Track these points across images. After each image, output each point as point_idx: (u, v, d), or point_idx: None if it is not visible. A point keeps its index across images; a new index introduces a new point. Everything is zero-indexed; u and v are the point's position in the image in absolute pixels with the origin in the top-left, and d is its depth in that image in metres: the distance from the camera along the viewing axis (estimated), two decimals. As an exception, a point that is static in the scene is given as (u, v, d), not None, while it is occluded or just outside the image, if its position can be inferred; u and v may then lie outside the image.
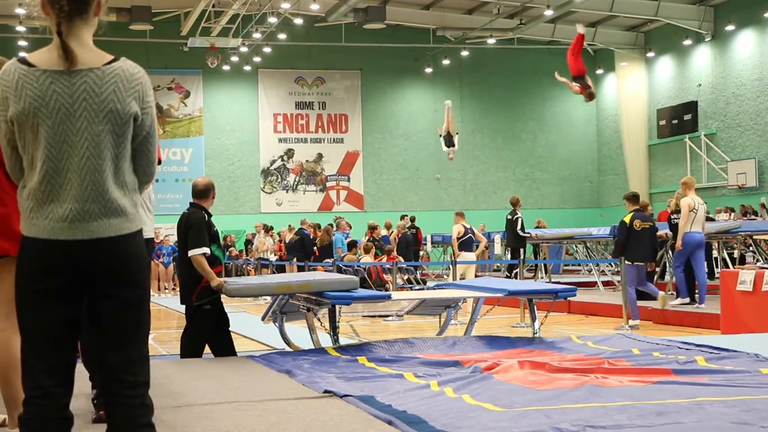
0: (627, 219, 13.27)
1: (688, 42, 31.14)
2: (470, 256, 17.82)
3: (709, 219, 18.00)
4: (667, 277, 17.69)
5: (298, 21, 30.24)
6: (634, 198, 13.58)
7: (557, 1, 28.04)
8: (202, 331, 7.98)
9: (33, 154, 3.11)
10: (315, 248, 21.97)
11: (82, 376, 4.30)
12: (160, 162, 3.98)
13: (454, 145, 24.65)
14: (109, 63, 3.16)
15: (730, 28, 29.44)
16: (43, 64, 3.11)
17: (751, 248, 17.43)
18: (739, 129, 29.68)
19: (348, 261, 19.35)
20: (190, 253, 7.81)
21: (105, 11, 3.28)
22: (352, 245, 20.96)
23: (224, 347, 8.03)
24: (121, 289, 3.12)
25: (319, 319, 8.68)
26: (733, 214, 24.70)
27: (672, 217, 14.81)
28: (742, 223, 17.90)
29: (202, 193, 8.15)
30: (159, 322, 15.58)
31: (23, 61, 3.14)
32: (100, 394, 4.93)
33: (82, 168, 3.09)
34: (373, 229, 21.21)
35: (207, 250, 7.83)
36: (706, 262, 14.01)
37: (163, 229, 27.14)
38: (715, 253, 19.46)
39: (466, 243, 17.84)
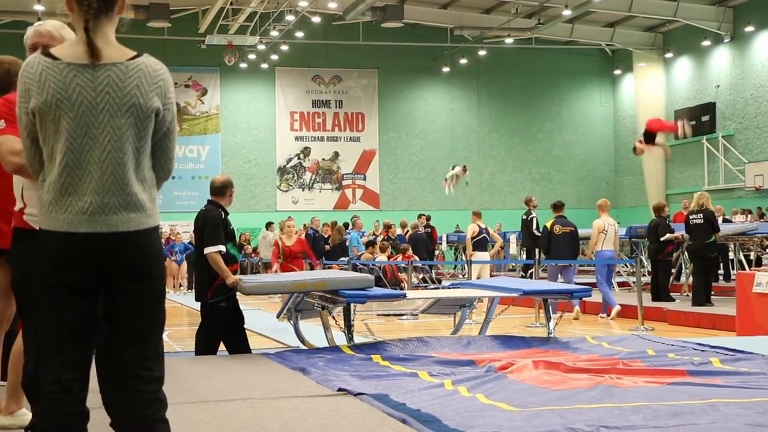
0: (548, 224, 15.16)
1: (706, 43, 31.02)
2: (484, 255, 17.80)
3: (725, 221, 17.94)
4: (683, 279, 17.65)
5: (316, 19, 30.26)
6: (557, 206, 15.56)
7: (575, 0, 27.98)
8: (217, 329, 8.00)
9: (53, 147, 3.11)
10: (327, 246, 22.01)
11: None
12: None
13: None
14: (133, 58, 3.19)
15: (749, 29, 29.31)
16: (68, 58, 3.13)
17: (767, 250, 17.36)
18: (757, 131, 29.54)
19: (365, 260, 19.37)
20: (206, 250, 7.84)
21: (127, 9, 3.30)
22: (370, 244, 20.97)
23: (239, 345, 8.05)
24: (138, 284, 3.13)
25: (333, 318, 8.69)
26: (750, 215, 24.58)
27: (690, 217, 14.80)
28: (758, 225, 17.82)
29: (219, 190, 8.17)
30: (173, 319, 15.64)
31: (47, 53, 3.16)
32: None
33: (104, 161, 3.10)
34: (388, 227, 21.21)
35: (223, 247, 7.86)
36: (704, 266, 14.41)
37: (179, 227, 27.25)
38: (731, 255, 19.39)
39: (481, 243, 17.83)
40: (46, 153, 3.15)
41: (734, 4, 30.26)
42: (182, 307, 18.34)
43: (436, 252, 25.18)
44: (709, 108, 31.29)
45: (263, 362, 7.47)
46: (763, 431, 4.66)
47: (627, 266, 20.08)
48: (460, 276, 23.75)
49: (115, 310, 3.14)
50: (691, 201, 15.65)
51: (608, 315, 14.56)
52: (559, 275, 14.98)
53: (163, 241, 25.15)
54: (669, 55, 33.38)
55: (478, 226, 17.94)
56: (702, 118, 31.53)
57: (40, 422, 3.12)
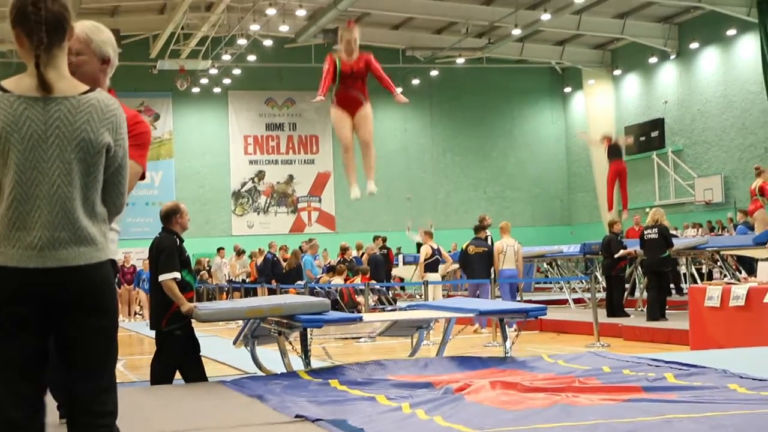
0: (464, 245, 16.74)
1: (653, 60, 31.48)
2: (436, 276, 17.88)
3: (674, 236, 18.21)
4: (637, 294, 17.83)
5: (268, 42, 30.27)
6: (477, 228, 16.96)
7: (525, 20, 28.26)
8: (173, 357, 7.94)
9: (2, 180, 3.08)
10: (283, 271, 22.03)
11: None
12: (143, 177, 3.97)
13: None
14: (85, 93, 3.17)
15: (694, 45, 29.80)
16: (18, 90, 3.10)
17: (718, 263, 17.59)
18: (705, 145, 29.99)
19: (323, 283, 19.36)
20: (161, 278, 7.79)
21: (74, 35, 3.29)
22: (331, 269, 20.95)
23: (195, 373, 7.99)
24: (90, 318, 3.11)
25: (290, 343, 8.67)
26: (700, 229, 24.92)
27: (645, 233, 14.99)
28: (709, 239, 18.07)
29: (165, 218, 8.15)
30: (128, 348, 15.49)
31: None
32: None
33: (53, 195, 3.08)
34: (344, 250, 21.23)
35: (178, 275, 7.81)
36: (658, 281, 14.71)
37: (133, 253, 27.05)
38: (683, 269, 19.63)
39: (433, 264, 17.94)
40: None
41: (679, 22, 30.76)
42: (137, 335, 18.18)
43: (393, 272, 25.20)
44: (658, 124, 31.73)
45: (220, 390, 7.42)
46: (717, 446, 4.71)
47: (582, 282, 20.24)
48: (418, 297, 23.79)
49: (67, 343, 3.11)
50: (642, 216, 15.92)
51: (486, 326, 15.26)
52: (477, 292, 16.09)
53: (129, 267, 25.07)
54: (617, 72, 33.82)
55: (431, 247, 18.03)
56: (651, 133, 31.96)
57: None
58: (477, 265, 16.42)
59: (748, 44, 28.01)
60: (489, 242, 18.29)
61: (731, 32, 28.19)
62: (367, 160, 9.76)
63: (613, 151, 20.68)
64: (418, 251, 25.44)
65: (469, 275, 16.53)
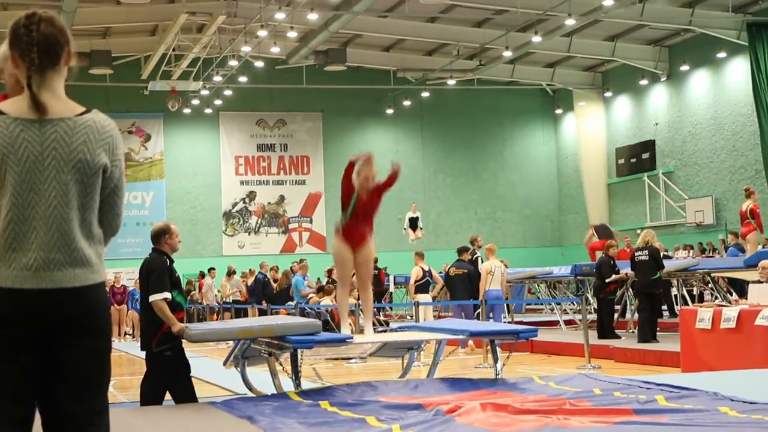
0: (446, 268, 17.23)
1: (644, 82, 31.63)
2: (426, 297, 17.89)
3: (666, 257, 18.26)
4: (628, 315, 17.83)
5: (259, 64, 30.33)
6: (460, 250, 17.58)
7: (516, 42, 28.38)
8: (163, 378, 7.91)
9: None
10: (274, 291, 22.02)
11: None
12: None
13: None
14: (82, 114, 3.17)
15: (684, 68, 29.95)
16: (15, 113, 3.11)
17: (709, 285, 17.61)
18: (696, 167, 30.10)
19: (313, 303, 19.33)
20: (152, 298, 7.77)
21: (75, 59, 3.29)
22: (320, 290, 20.94)
23: (185, 394, 7.95)
24: (84, 339, 3.10)
25: (281, 364, 8.64)
26: (691, 251, 24.96)
27: (636, 254, 15.02)
28: (700, 261, 18.10)
29: (155, 238, 8.14)
30: (118, 369, 15.42)
31: None
32: None
33: (49, 217, 3.08)
34: (330, 271, 21.26)
35: (168, 295, 7.79)
36: (649, 302, 14.72)
37: (124, 273, 26.99)
38: (675, 291, 19.65)
39: (423, 285, 17.95)
40: None
41: (669, 44, 30.92)
42: (126, 355, 18.10)
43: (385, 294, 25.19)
44: (649, 145, 31.85)
45: (210, 411, 7.39)
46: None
47: (573, 304, 20.24)
48: (409, 318, 23.75)
49: (61, 365, 3.10)
50: (633, 238, 15.96)
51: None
52: (462, 313, 16.66)
53: (119, 287, 25.06)
54: (608, 94, 33.96)
55: (422, 268, 18.05)
56: (642, 155, 32.08)
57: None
58: (459, 286, 16.98)
59: (738, 67, 28.16)
60: (479, 262, 18.37)
61: (721, 55, 28.36)
62: (366, 300, 9.76)
63: (602, 232, 21.06)
64: (411, 225, 25.55)
65: (452, 297, 17.10)
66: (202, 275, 26.89)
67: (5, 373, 3.04)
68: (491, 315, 16.33)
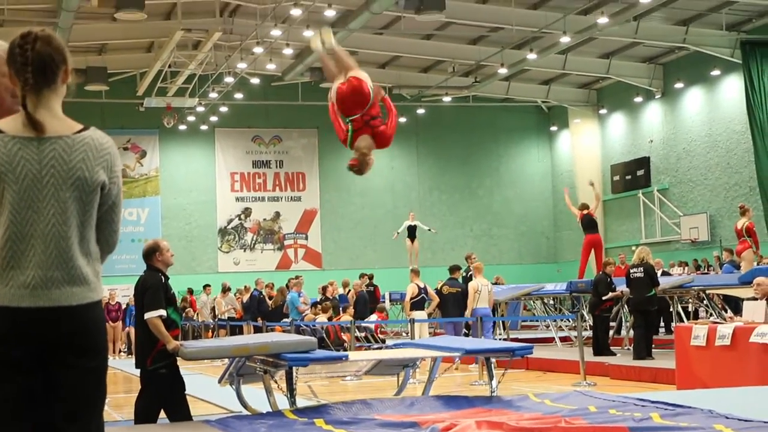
0: (439, 286, 17.79)
1: (639, 99, 31.73)
2: (422, 314, 17.90)
3: (664, 273, 18.27)
4: (623, 332, 17.83)
5: (255, 80, 30.38)
6: (452, 269, 18.07)
7: (511, 59, 28.47)
8: (157, 396, 7.89)
9: None
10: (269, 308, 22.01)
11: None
12: None
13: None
14: (79, 132, 3.19)
15: (678, 85, 30.05)
16: (13, 131, 3.12)
17: (704, 302, 17.63)
18: (690, 184, 30.17)
19: (308, 320, 19.33)
20: (147, 315, 7.77)
21: (73, 77, 3.30)
22: (315, 305, 20.95)
23: (180, 412, 7.93)
24: (81, 359, 3.11)
25: (276, 381, 8.62)
26: (686, 268, 24.98)
27: (631, 271, 15.03)
28: (695, 278, 18.12)
29: (146, 257, 8.14)
30: (114, 386, 15.38)
31: None
32: None
33: (47, 235, 3.09)
34: (324, 288, 21.32)
35: (163, 312, 7.79)
36: (644, 319, 14.75)
37: (119, 290, 26.96)
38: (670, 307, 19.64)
39: (419, 302, 17.96)
40: None
41: (663, 62, 31.04)
42: (121, 373, 18.06)
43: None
44: (644, 162, 31.92)
45: (205, 430, 7.37)
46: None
47: (569, 321, 20.24)
48: (404, 335, 23.74)
49: (57, 384, 3.10)
50: (628, 255, 15.97)
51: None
52: (453, 330, 16.96)
53: (114, 304, 25.07)
54: (603, 111, 34.05)
55: (417, 285, 18.07)
56: (637, 172, 32.15)
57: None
58: (451, 304, 17.35)
59: (732, 84, 28.26)
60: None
61: (715, 72, 28.46)
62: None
63: (588, 224, 20.81)
64: (410, 235, 25.61)
65: (444, 314, 17.50)
66: (191, 291, 26.84)
67: (2, 392, 3.04)
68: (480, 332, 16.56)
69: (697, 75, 29.46)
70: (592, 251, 20.40)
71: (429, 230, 28.13)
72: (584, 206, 21.29)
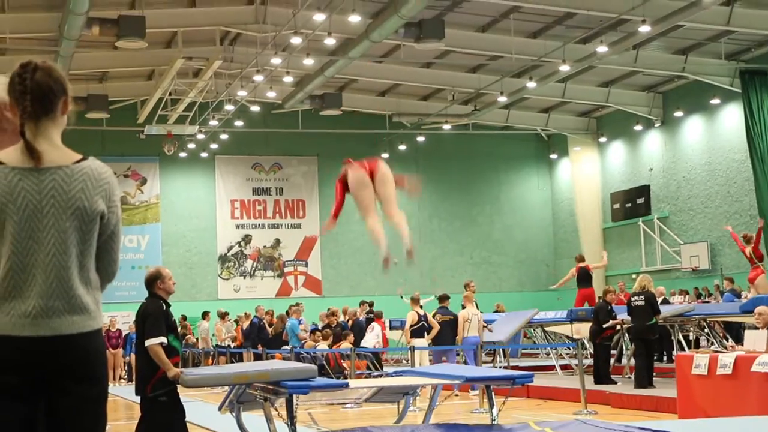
0: (431, 314, 17.99)
1: (638, 127, 31.81)
2: (422, 342, 17.89)
3: (665, 302, 18.26)
4: (624, 361, 17.79)
5: (255, 108, 30.48)
6: (442, 298, 18.44)
7: (510, 87, 28.57)
8: (157, 424, 7.86)
9: None
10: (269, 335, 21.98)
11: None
12: None
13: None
14: (78, 162, 3.20)
15: (678, 114, 30.13)
16: (12, 162, 3.14)
17: (705, 331, 17.59)
18: (690, 212, 30.18)
19: (308, 347, 19.28)
20: (147, 342, 7.76)
21: (73, 107, 3.31)
22: (315, 332, 20.92)
23: (180, 439, 7.91)
24: (81, 386, 3.11)
25: (276, 409, 8.60)
26: (687, 296, 24.96)
27: (632, 299, 15.02)
28: (695, 306, 18.09)
29: (147, 284, 8.16)
30: (115, 414, 15.32)
31: None
32: None
33: (48, 264, 3.10)
34: (330, 315, 21.25)
35: (164, 339, 7.78)
36: (645, 348, 14.82)
37: (119, 317, 26.92)
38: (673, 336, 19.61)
39: (418, 330, 17.94)
40: None
41: (663, 90, 31.14)
42: (121, 400, 18.00)
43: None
44: (644, 190, 31.95)
45: (205, 457, 7.35)
46: None
47: (569, 349, 20.20)
48: (404, 362, 23.67)
49: (56, 412, 3.10)
50: (628, 283, 15.98)
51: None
52: (443, 357, 17.24)
53: (114, 331, 25.07)
54: (603, 139, 34.12)
55: (417, 313, 18.07)
56: (637, 200, 32.18)
57: None
58: (444, 332, 17.62)
59: (732, 113, 28.35)
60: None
61: (715, 101, 28.54)
62: (398, 220, 9.37)
63: (582, 279, 20.88)
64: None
65: (439, 342, 17.64)
66: (185, 318, 26.77)
67: (2, 420, 3.04)
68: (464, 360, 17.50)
69: (697, 104, 29.55)
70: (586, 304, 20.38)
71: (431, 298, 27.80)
72: (581, 258, 21.46)
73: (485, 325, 18.25)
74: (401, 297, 26.78)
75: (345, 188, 8.98)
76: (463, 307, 18.40)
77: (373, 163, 9.20)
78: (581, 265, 20.78)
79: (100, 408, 3.19)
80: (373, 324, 20.22)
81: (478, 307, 19.17)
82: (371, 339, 19.68)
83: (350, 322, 22.41)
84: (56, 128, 3.24)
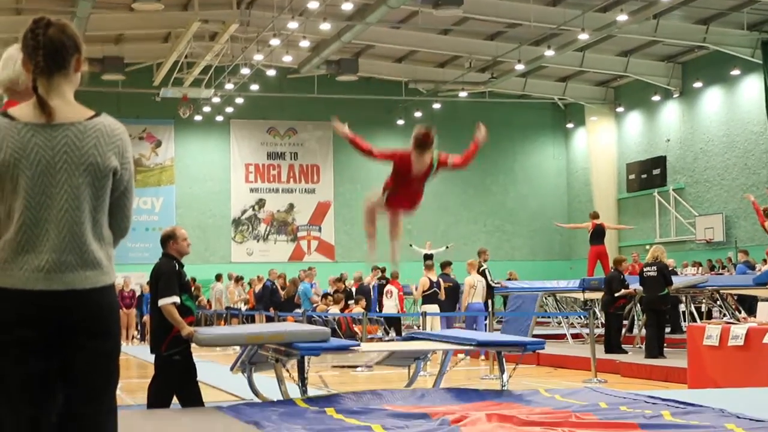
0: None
1: (656, 98, 31.59)
2: (434, 308, 17.91)
3: (674, 273, 18.22)
4: (635, 331, 17.81)
5: (271, 72, 30.39)
6: (444, 264, 18.87)
7: (528, 55, 28.40)
8: (170, 382, 7.93)
9: (11, 205, 3.12)
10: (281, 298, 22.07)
11: None
12: None
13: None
14: (91, 118, 3.20)
15: (697, 85, 29.90)
16: (25, 118, 3.14)
17: (718, 302, 17.57)
18: (706, 184, 30.04)
19: (320, 311, 19.36)
20: (161, 302, 7.81)
21: (86, 66, 3.31)
22: (327, 296, 20.97)
23: (192, 398, 7.97)
24: (94, 341, 3.13)
25: (287, 370, 8.65)
26: (700, 268, 24.90)
27: (644, 270, 14.99)
28: (709, 278, 18.06)
29: (162, 243, 8.19)
30: (127, 372, 15.45)
31: (5, 114, 3.17)
32: None
33: (61, 219, 3.11)
34: (337, 281, 21.39)
35: (177, 299, 7.82)
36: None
37: (133, 278, 27.06)
38: (683, 307, 19.60)
39: (431, 296, 17.96)
40: (3, 212, 3.15)
41: (683, 61, 30.89)
42: (134, 359, 18.14)
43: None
44: (660, 161, 31.80)
45: (216, 416, 7.41)
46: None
47: (581, 318, 20.21)
48: (416, 328, 23.73)
49: (70, 366, 3.12)
50: (641, 253, 15.93)
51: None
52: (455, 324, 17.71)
53: (128, 291, 25.23)
54: (620, 109, 33.93)
55: (429, 279, 18.09)
56: (653, 171, 32.03)
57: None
58: (446, 298, 17.99)
59: (752, 84, 28.13)
60: (487, 274, 18.60)
61: (735, 72, 28.30)
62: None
63: (596, 236, 20.69)
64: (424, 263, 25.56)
65: (440, 309, 17.91)
66: (194, 280, 26.78)
67: (17, 374, 3.07)
68: (475, 326, 17.46)
69: (717, 75, 29.31)
70: (598, 262, 20.29)
71: (446, 248, 27.75)
72: (596, 215, 21.19)
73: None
74: (410, 245, 26.72)
75: (399, 165, 8.63)
76: (481, 272, 18.47)
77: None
78: (597, 222, 20.58)
79: (113, 363, 3.22)
80: (391, 288, 20.09)
81: (491, 275, 19.20)
82: (390, 305, 19.63)
83: (354, 288, 22.39)
84: (69, 85, 3.24)
